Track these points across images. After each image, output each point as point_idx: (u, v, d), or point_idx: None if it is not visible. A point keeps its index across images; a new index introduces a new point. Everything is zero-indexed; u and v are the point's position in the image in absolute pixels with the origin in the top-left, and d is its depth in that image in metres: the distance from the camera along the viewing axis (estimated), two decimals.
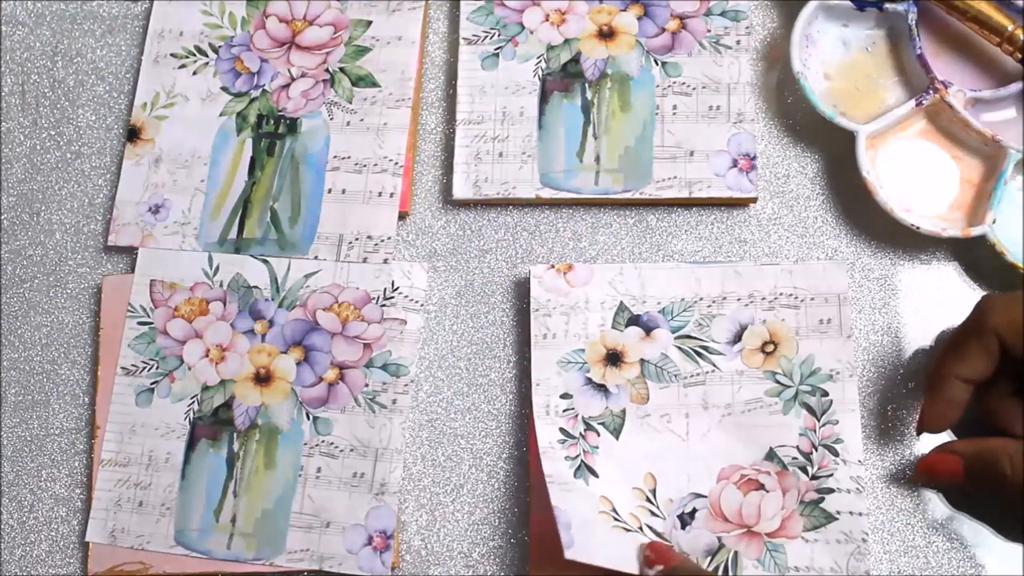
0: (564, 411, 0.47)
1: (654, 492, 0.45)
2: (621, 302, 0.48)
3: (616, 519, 0.45)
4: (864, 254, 0.50)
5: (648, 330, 0.48)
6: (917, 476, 0.45)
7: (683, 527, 0.45)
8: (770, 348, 0.47)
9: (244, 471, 0.48)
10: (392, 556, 0.46)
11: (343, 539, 0.46)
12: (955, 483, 0.44)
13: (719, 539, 0.45)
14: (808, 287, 0.47)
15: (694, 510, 0.45)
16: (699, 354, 0.47)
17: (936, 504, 0.46)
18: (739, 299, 0.48)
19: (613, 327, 0.48)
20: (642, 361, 0.47)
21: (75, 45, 0.57)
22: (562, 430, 0.46)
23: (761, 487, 0.45)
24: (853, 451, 0.45)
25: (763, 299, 0.47)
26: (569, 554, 0.43)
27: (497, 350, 0.50)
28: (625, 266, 0.49)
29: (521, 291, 0.51)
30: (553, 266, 0.49)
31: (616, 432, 0.46)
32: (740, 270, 0.48)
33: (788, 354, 0.47)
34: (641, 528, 0.45)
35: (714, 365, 0.47)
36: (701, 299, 0.48)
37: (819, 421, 0.46)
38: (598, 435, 0.46)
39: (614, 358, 0.47)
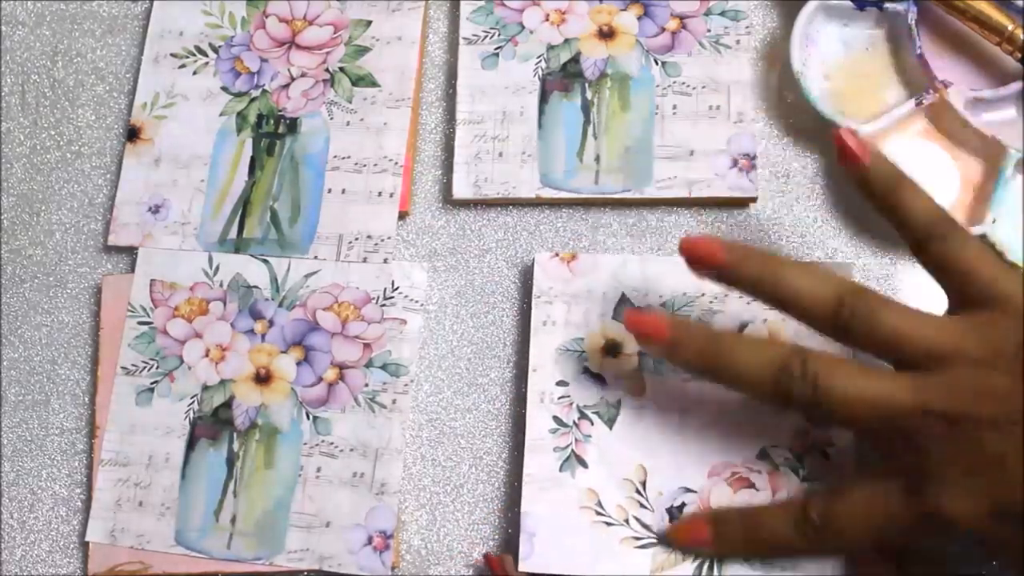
0: (559, 398, 0.47)
1: (644, 484, 0.45)
2: (623, 294, 0.48)
3: (600, 512, 0.45)
4: (864, 254, 0.50)
5: None
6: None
7: (671, 521, 0.45)
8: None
9: (244, 471, 0.48)
10: (392, 556, 0.46)
11: (343, 539, 0.46)
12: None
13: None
14: None
15: (683, 504, 0.45)
16: None
17: None
18: (741, 296, 0.47)
19: (614, 318, 0.48)
20: (640, 354, 0.47)
21: (75, 45, 0.57)
22: (555, 418, 0.47)
23: (752, 486, 0.45)
24: (845, 455, 0.45)
25: None
26: (524, 567, 0.44)
27: (497, 350, 0.50)
28: (629, 258, 0.49)
29: (521, 291, 0.51)
30: (557, 254, 0.49)
31: (610, 422, 0.46)
32: None
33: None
34: (627, 520, 0.45)
35: None
36: (703, 294, 0.48)
37: (813, 424, 0.46)
38: (591, 424, 0.46)
39: (613, 349, 0.48)
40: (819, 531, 0.40)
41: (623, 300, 0.48)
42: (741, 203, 0.51)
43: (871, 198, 0.42)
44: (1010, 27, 0.49)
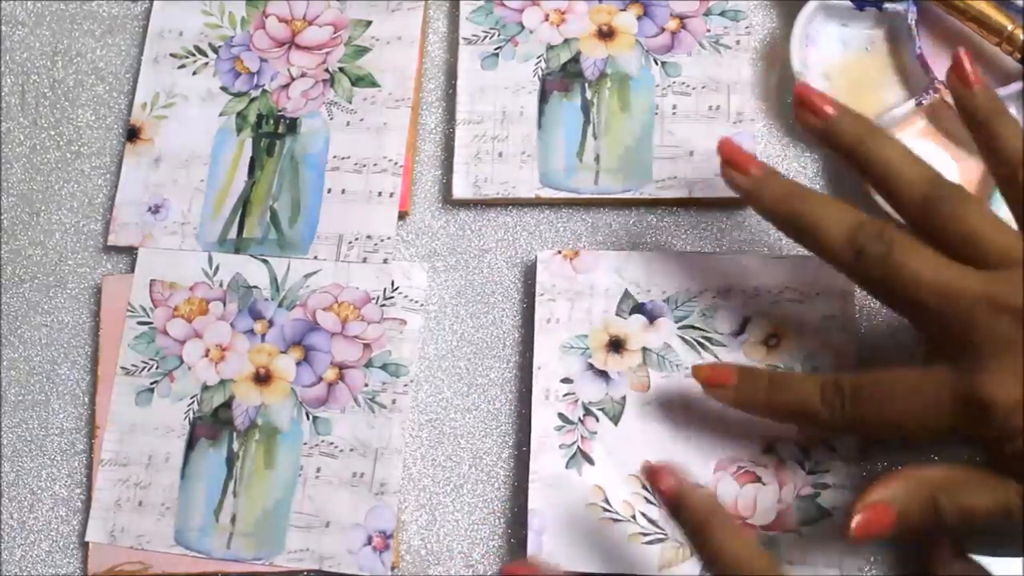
0: (564, 395, 0.47)
1: None
2: (626, 290, 0.48)
3: (607, 509, 0.45)
4: None
5: (651, 319, 0.48)
6: (853, 538, 0.39)
7: None
8: (773, 342, 0.47)
9: (244, 471, 0.48)
10: (392, 556, 0.46)
11: (343, 539, 0.46)
12: (889, 533, 0.39)
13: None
14: (814, 282, 0.47)
15: None
16: (702, 345, 0.47)
17: None
18: (744, 291, 0.48)
19: (617, 314, 0.48)
20: (644, 349, 0.47)
21: (75, 45, 0.57)
22: (560, 415, 0.47)
23: (758, 480, 0.45)
24: (850, 448, 0.45)
25: (768, 292, 0.47)
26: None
27: (497, 350, 0.50)
28: (632, 254, 0.49)
29: (521, 291, 0.51)
30: (560, 252, 0.49)
31: (615, 419, 0.47)
32: (746, 263, 0.48)
33: (790, 349, 0.47)
34: (634, 516, 0.45)
35: (716, 356, 0.47)
36: (706, 290, 0.48)
37: None
38: (597, 420, 0.46)
39: (616, 345, 0.48)
40: (845, 402, 0.40)
41: (626, 296, 0.48)
42: (741, 203, 0.51)
43: (971, 124, 0.43)
44: (1010, 27, 0.49)
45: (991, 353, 0.38)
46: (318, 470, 0.47)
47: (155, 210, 0.52)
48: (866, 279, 0.41)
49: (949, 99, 0.49)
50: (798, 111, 0.43)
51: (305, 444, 0.48)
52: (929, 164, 0.42)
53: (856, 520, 0.38)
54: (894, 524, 0.39)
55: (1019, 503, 0.38)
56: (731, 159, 0.44)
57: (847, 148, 0.42)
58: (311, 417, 0.48)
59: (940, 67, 0.50)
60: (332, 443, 0.48)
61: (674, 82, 0.52)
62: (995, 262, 0.39)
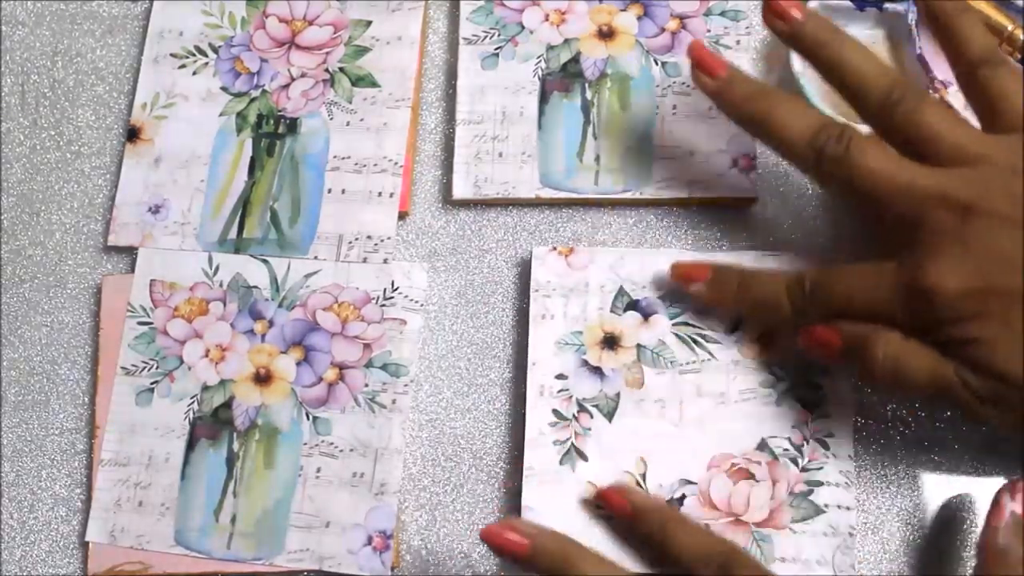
0: (558, 391, 0.47)
1: (644, 477, 0.46)
2: (621, 287, 0.48)
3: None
4: (865, 254, 0.50)
5: (646, 316, 0.48)
6: (802, 344, 0.44)
7: None
8: (767, 339, 0.47)
9: (244, 471, 0.48)
10: (392, 556, 0.46)
11: (343, 539, 0.46)
12: (830, 354, 0.43)
13: (707, 527, 0.45)
14: None
15: (683, 496, 0.45)
16: (696, 342, 0.47)
17: (932, 502, 0.46)
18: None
19: (611, 311, 0.48)
20: (639, 346, 0.47)
21: (75, 45, 0.57)
22: (555, 411, 0.47)
23: (751, 477, 0.45)
24: (844, 446, 0.45)
25: None
26: None
27: (497, 350, 0.50)
28: (626, 251, 0.49)
29: (521, 291, 0.51)
30: (555, 248, 0.49)
31: (609, 415, 0.47)
32: (742, 260, 0.48)
33: (785, 346, 0.47)
34: None
35: (710, 354, 0.47)
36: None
37: (812, 414, 0.46)
38: (591, 417, 0.47)
39: (611, 342, 0.48)
40: (806, 296, 0.43)
41: (621, 293, 0.48)
42: (741, 203, 0.51)
43: (933, 24, 0.44)
44: (1010, 27, 0.49)
45: (937, 245, 0.40)
46: (318, 470, 0.47)
47: (155, 210, 0.52)
48: (826, 178, 0.43)
49: (950, 99, 0.49)
50: (767, 17, 0.44)
51: (305, 444, 0.48)
52: (891, 67, 0.43)
53: (808, 329, 0.43)
54: (838, 344, 0.42)
55: (956, 380, 0.40)
56: (700, 62, 0.45)
57: (810, 51, 0.44)
58: (311, 417, 0.48)
59: (940, 67, 0.50)
60: (332, 443, 0.48)
61: (674, 82, 0.52)
62: (950, 160, 0.41)
